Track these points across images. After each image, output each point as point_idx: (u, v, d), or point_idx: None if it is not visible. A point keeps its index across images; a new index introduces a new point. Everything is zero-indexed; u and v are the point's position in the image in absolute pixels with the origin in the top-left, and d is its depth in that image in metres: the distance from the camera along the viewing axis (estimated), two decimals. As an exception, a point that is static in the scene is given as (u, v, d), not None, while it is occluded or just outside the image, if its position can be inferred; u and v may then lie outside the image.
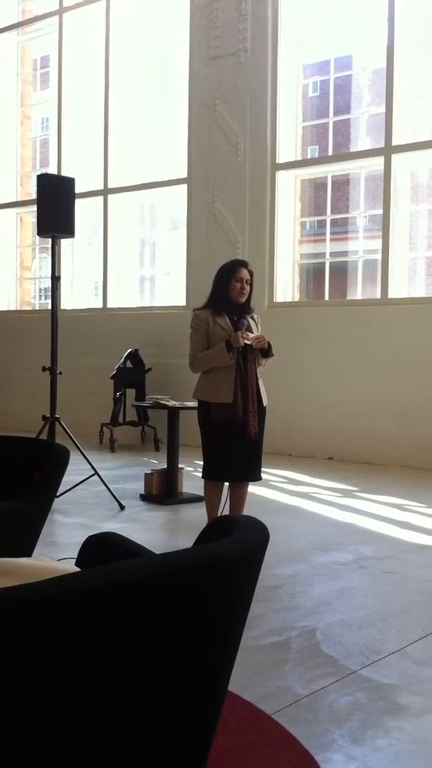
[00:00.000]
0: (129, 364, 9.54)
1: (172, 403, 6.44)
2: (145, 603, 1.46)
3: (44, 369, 6.17)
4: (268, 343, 4.78)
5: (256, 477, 4.91)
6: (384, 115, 8.64)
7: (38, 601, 1.33)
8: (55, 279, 6.21)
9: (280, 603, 3.75)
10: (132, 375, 9.50)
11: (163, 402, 6.49)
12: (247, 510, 4.91)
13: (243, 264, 4.87)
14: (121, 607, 1.42)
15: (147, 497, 6.32)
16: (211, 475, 4.88)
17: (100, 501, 6.12)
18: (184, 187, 10.01)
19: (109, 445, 9.25)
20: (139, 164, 11.16)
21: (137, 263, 11.45)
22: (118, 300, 10.84)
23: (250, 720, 2.53)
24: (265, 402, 4.85)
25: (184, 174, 10.01)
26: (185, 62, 9.95)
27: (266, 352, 4.80)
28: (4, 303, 12.24)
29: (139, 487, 6.52)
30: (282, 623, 3.47)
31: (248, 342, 4.68)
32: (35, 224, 6.95)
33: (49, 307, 6.35)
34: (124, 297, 10.89)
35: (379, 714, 2.60)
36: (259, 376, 4.83)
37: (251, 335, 4.73)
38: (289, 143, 9.42)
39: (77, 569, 1.79)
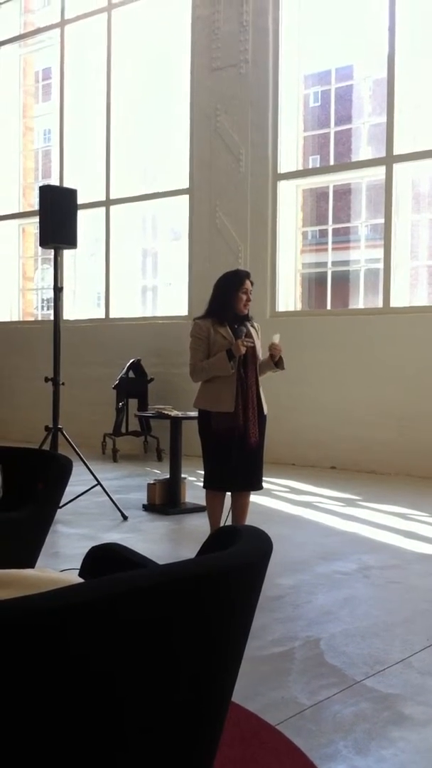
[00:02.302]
0: (131, 374, 9.55)
1: (174, 412, 6.44)
2: (149, 613, 1.46)
3: (47, 379, 6.18)
4: (280, 357, 4.79)
5: (257, 486, 4.90)
6: (385, 124, 8.67)
7: (42, 611, 1.33)
8: (58, 290, 6.22)
9: (283, 613, 3.74)
10: (134, 385, 9.51)
11: (166, 412, 6.50)
12: (250, 519, 4.90)
13: (248, 275, 4.87)
14: (124, 617, 1.42)
15: (150, 507, 6.31)
16: (212, 484, 4.88)
17: (102, 511, 6.12)
18: (185, 198, 10.04)
19: (111, 455, 9.24)
20: (140, 175, 11.19)
21: (139, 273, 11.47)
22: (120, 310, 10.85)
23: (254, 731, 2.52)
24: (265, 410, 4.85)
25: (185, 184, 10.04)
26: (187, 73, 9.99)
27: (277, 363, 4.81)
28: (6, 314, 12.26)
29: (142, 497, 6.51)
30: (285, 633, 3.46)
31: (250, 344, 4.69)
32: (37, 235, 6.96)
33: (52, 317, 6.36)
34: (126, 307, 10.91)
35: (384, 724, 2.59)
36: (259, 384, 4.84)
37: (251, 342, 4.73)
38: (290, 153, 9.45)
39: (80, 580, 1.79)
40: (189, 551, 4.31)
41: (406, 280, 8.85)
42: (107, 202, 10.87)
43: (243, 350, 4.66)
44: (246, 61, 9.33)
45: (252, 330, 4.86)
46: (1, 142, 12.24)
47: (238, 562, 1.64)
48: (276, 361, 4.80)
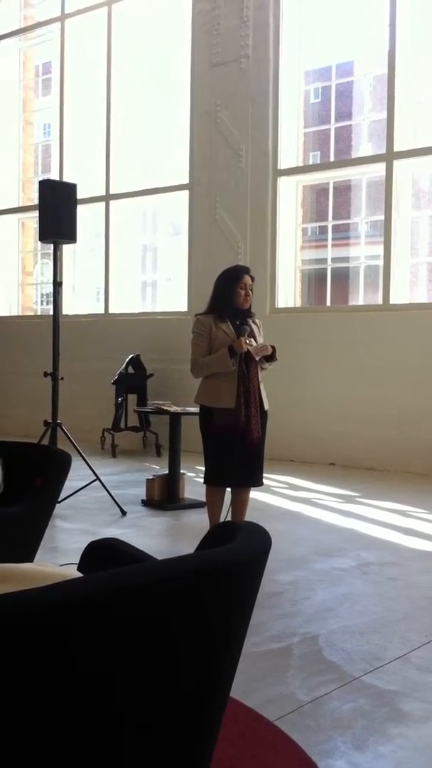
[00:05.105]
0: (131, 370, 9.55)
1: (173, 408, 6.43)
2: (147, 608, 1.45)
3: (46, 374, 6.17)
4: (273, 348, 4.78)
5: (257, 482, 4.90)
6: (385, 121, 8.65)
7: (40, 606, 1.33)
8: (57, 284, 6.21)
9: (281, 609, 3.74)
10: (134, 380, 9.50)
11: (165, 407, 6.49)
12: (249, 516, 4.91)
13: (247, 271, 4.87)
14: (122, 612, 1.41)
15: (148, 503, 6.31)
16: (213, 480, 4.88)
17: (101, 506, 6.11)
18: (185, 193, 10.02)
19: (110, 451, 9.24)
20: (140, 170, 11.17)
21: (139, 269, 11.45)
22: (119, 305, 10.84)
23: (252, 726, 2.52)
24: (266, 406, 4.85)
25: (185, 180, 10.03)
26: (187, 68, 9.97)
27: (270, 356, 4.80)
28: (5, 308, 12.25)
29: (141, 492, 6.51)
30: (284, 629, 3.46)
31: (251, 349, 4.69)
32: (37, 229, 6.96)
33: (51, 312, 6.36)
34: (125, 302, 10.90)
35: (382, 721, 2.59)
36: (260, 380, 4.83)
37: (254, 342, 4.73)
38: (290, 149, 9.43)
39: (79, 574, 1.79)
40: (188, 547, 4.30)
41: (406, 277, 8.84)
42: (107, 197, 10.85)
43: (245, 348, 4.66)
44: (246, 57, 9.31)
45: (254, 327, 4.86)
46: (0, 136, 12.21)
47: (237, 557, 1.64)
48: (269, 354, 4.80)
